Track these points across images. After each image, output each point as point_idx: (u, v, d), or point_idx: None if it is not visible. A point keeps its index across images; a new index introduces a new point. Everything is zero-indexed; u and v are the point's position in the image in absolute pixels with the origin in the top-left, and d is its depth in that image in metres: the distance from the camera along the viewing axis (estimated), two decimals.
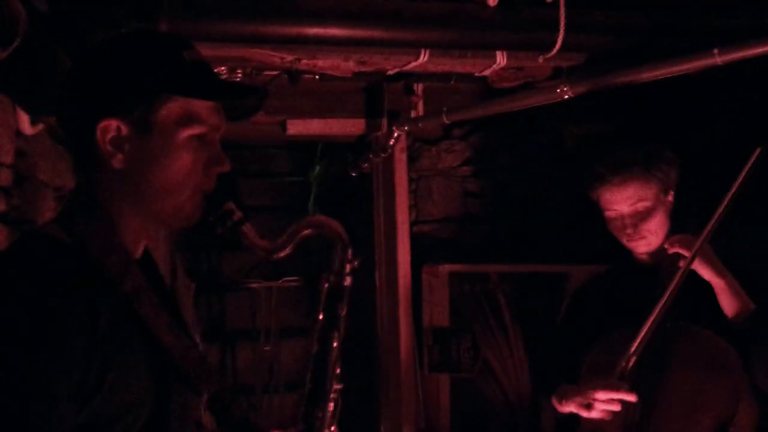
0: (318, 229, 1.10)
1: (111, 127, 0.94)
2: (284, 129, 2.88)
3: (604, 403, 1.63)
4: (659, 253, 1.83)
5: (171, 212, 0.97)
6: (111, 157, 0.94)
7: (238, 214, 1.01)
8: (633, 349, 1.64)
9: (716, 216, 1.61)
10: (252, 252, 1.04)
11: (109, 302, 0.91)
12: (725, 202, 1.61)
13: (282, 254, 1.07)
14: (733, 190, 1.60)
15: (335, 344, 1.13)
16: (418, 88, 2.82)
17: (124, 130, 0.94)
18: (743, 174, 1.59)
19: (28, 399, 0.83)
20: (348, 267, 1.13)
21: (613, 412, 1.67)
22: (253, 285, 3.78)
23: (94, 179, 0.97)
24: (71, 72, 0.98)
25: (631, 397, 1.62)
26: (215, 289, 4.20)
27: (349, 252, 1.12)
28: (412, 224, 3.08)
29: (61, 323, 0.86)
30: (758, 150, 1.63)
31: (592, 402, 1.65)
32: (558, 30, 1.94)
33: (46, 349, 0.84)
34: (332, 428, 1.17)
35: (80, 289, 0.89)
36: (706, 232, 1.63)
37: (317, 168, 4.52)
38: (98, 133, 0.93)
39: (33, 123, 1.69)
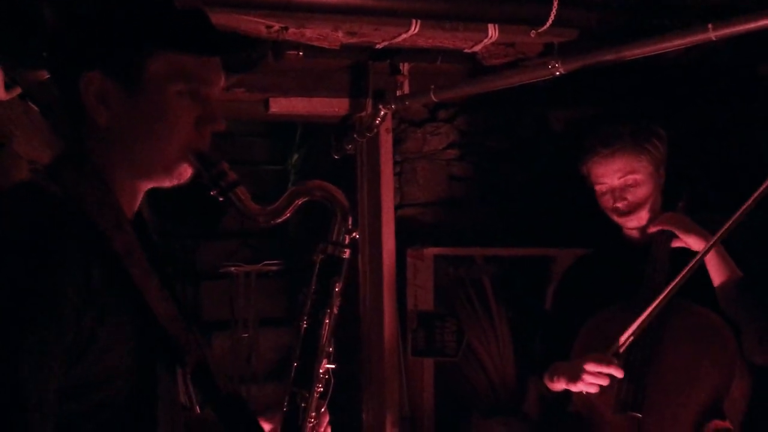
0: (317, 195, 1.04)
1: (94, 80, 0.88)
2: (267, 107, 2.81)
3: (592, 375, 1.62)
4: (648, 230, 1.83)
5: (161, 170, 0.92)
6: (95, 112, 0.89)
7: (232, 176, 0.95)
8: (631, 330, 1.62)
9: (729, 223, 1.56)
10: (246, 217, 0.97)
11: (101, 259, 0.85)
12: (745, 206, 1.55)
13: (278, 220, 1.01)
14: (757, 194, 1.53)
15: (327, 321, 1.07)
16: (404, 68, 2.77)
17: (109, 84, 0.88)
18: (759, 191, 1.51)
19: (19, 356, 0.78)
20: (347, 238, 1.07)
21: (607, 390, 1.65)
22: (232, 269, 3.71)
23: (84, 135, 0.91)
24: (58, 19, 0.92)
25: (618, 373, 1.61)
26: (190, 277, 4.10)
27: (350, 221, 1.06)
28: (396, 207, 3.04)
29: (55, 278, 0.80)
30: None
31: (580, 374, 1.63)
32: (551, 3, 1.91)
33: (39, 303, 0.79)
34: (322, 410, 1.12)
35: (73, 244, 0.83)
36: (717, 236, 1.58)
37: (295, 156, 4.45)
38: (81, 85, 0.88)
39: (8, 87, 1.60)
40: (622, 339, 1.62)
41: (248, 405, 1.05)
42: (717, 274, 1.68)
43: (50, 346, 0.80)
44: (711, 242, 1.60)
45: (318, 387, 1.09)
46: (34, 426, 0.77)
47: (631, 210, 1.81)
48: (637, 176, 1.79)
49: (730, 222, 1.55)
